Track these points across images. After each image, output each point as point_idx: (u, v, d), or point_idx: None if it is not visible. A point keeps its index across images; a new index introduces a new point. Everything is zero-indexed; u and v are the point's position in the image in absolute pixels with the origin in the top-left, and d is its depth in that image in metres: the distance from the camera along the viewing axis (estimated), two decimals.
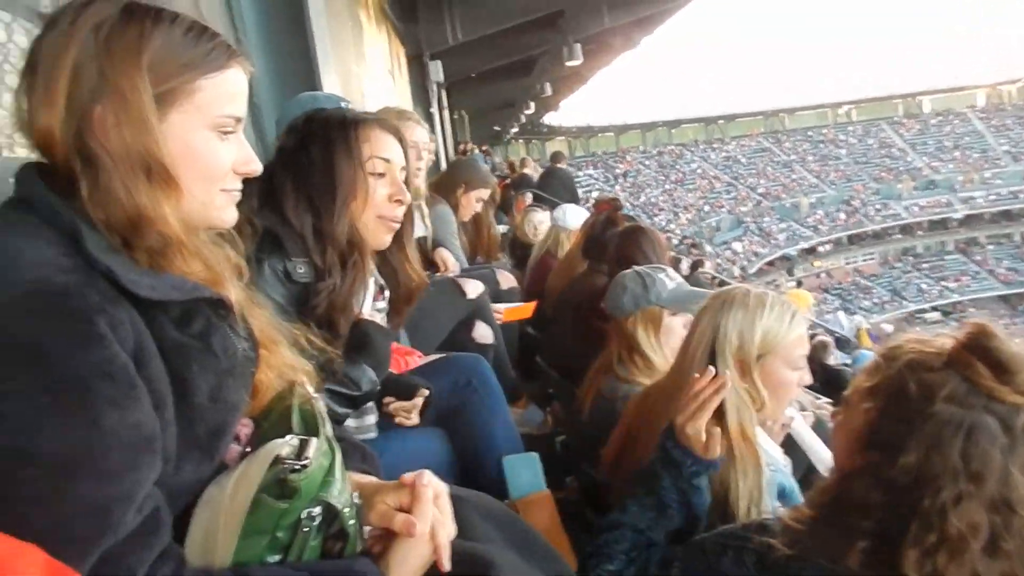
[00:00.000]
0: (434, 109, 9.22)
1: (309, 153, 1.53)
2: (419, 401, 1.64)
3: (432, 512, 0.94)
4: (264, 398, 1.01)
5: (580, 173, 39.37)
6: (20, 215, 0.82)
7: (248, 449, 0.94)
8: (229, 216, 0.96)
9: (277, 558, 0.87)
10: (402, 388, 1.66)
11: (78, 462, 0.72)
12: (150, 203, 0.84)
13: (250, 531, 0.85)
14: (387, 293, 1.70)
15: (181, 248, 0.87)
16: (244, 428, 0.97)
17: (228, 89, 0.91)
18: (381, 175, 1.56)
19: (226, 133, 0.92)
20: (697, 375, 1.40)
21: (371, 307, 1.65)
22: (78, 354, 0.73)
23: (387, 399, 1.63)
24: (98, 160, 0.82)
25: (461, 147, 11.93)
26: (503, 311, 2.90)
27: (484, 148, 15.75)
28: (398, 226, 1.61)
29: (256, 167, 0.96)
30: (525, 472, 1.73)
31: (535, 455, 1.78)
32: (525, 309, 3.11)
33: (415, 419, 1.66)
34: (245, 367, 0.94)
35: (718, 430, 1.37)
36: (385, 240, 1.60)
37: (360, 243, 1.53)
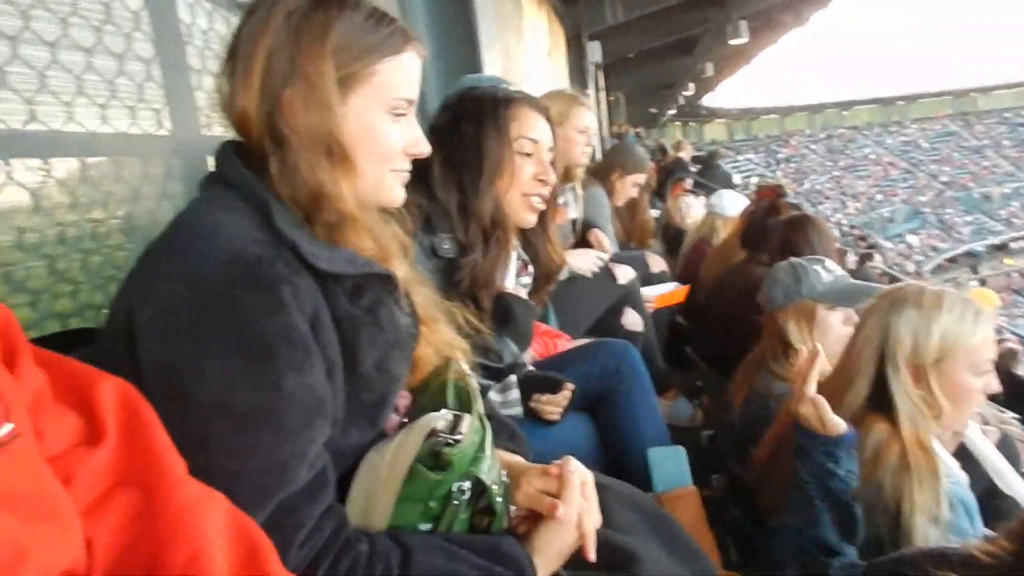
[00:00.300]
0: (591, 90, 9.16)
1: (460, 131, 1.56)
2: (568, 394, 1.62)
3: (578, 500, 0.94)
4: (422, 372, 1.05)
5: (739, 157, 37.66)
6: (219, 190, 0.90)
7: (406, 420, 0.98)
8: (398, 195, 0.99)
9: (428, 527, 0.90)
10: (549, 383, 1.65)
11: (262, 419, 0.78)
12: (330, 181, 0.88)
13: (405, 498, 0.89)
14: (531, 268, 1.70)
15: (355, 224, 0.91)
16: (403, 400, 1.01)
17: (404, 72, 0.94)
18: (528, 155, 1.58)
19: (399, 115, 0.95)
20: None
21: (516, 281, 1.66)
22: (265, 320, 0.79)
23: (535, 395, 1.61)
24: (286, 140, 0.88)
25: (614, 128, 11.77)
26: (654, 298, 2.83)
27: (637, 130, 15.46)
28: (543, 205, 1.61)
29: (425, 148, 0.99)
30: (670, 465, 1.68)
31: (681, 448, 1.72)
32: (677, 294, 3.00)
33: (558, 415, 1.63)
34: (407, 341, 0.98)
35: (822, 399, 1.33)
36: (529, 219, 1.61)
37: (504, 220, 1.55)
